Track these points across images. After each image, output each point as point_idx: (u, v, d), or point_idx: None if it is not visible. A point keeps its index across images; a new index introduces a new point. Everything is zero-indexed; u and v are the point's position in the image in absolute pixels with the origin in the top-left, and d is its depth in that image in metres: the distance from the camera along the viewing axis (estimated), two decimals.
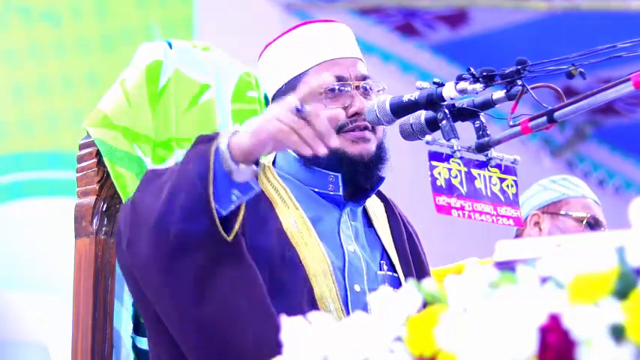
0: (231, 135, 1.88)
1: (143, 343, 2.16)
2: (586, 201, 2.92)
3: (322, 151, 1.80)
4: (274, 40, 2.25)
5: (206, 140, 1.92)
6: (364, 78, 2.17)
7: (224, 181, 1.85)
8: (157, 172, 2.02)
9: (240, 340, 1.88)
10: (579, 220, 2.87)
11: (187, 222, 1.86)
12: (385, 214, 2.29)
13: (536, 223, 2.94)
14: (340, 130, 2.12)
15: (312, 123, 1.79)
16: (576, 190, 2.94)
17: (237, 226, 1.89)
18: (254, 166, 1.87)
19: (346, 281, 2.08)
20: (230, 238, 1.88)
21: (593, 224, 2.87)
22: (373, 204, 2.28)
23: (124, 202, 2.16)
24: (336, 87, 2.14)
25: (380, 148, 2.16)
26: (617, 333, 1.03)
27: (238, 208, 1.89)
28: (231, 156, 1.85)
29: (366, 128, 2.13)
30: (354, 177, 2.14)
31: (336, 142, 1.82)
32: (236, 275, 1.92)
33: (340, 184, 2.15)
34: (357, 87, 2.15)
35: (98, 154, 2.19)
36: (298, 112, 1.79)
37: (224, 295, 1.89)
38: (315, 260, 2.06)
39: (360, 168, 2.12)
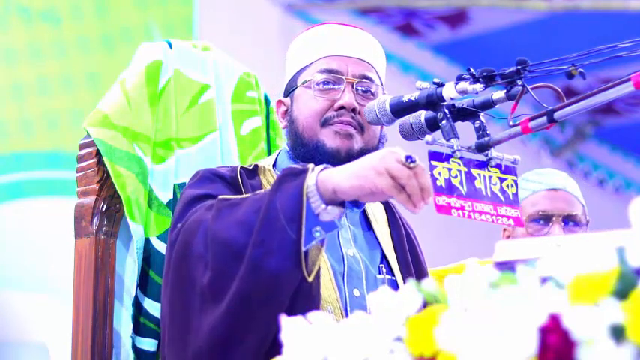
0: (320, 171, 1.83)
1: (143, 343, 2.16)
2: (533, 198, 2.76)
3: (422, 207, 1.77)
4: (296, 37, 2.28)
5: (294, 174, 1.85)
6: (363, 77, 2.17)
7: (310, 218, 1.80)
8: (232, 201, 1.94)
9: None
10: (527, 220, 2.76)
11: (279, 262, 1.80)
12: (385, 217, 2.28)
13: (504, 230, 2.87)
14: (325, 122, 2.13)
15: (418, 175, 1.76)
16: (529, 187, 2.77)
17: (316, 267, 1.84)
18: (342, 208, 1.82)
19: (346, 286, 2.08)
20: (311, 279, 1.83)
21: (539, 219, 2.77)
22: (373, 207, 2.27)
23: (124, 202, 2.16)
24: (329, 79, 2.15)
25: (364, 152, 2.10)
26: (617, 333, 1.03)
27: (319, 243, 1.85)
28: (320, 195, 1.80)
29: (350, 124, 2.13)
30: None
31: (429, 200, 1.78)
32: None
33: None
34: (351, 83, 2.15)
35: (98, 154, 2.19)
36: (407, 161, 1.76)
37: None
38: None
39: (336, 163, 2.09)
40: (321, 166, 1.84)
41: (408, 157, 1.76)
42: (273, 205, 1.82)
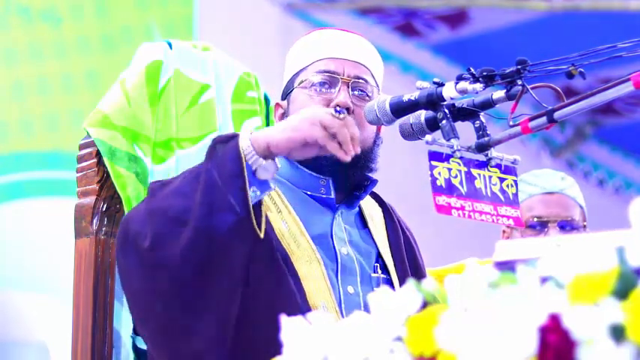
0: (250, 134, 1.91)
1: (143, 343, 2.16)
2: (529, 202, 2.76)
3: (352, 155, 1.86)
4: (295, 42, 2.30)
5: (225, 140, 1.93)
6: (359, 78, 2.17)
7: (248, 177, 1.88)
8: (164, 182, 2.01)
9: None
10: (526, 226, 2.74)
11: (226, 219, 1.86)
12: (382, 219, 2.28)
13: (504, 232, 2.86)
14: None
15: (348, 125, 1.87)
16: (526, 190, 2.76)
17: (263, 224, 1.90)
18: (276, 163, 1.89)
19: (339, 283, 2.08)
20: (262, 235, 1.90)
21: (536, 224, 2.76)
22: (371, 208, 2.28)
23: (124, 202, 2.16)
24: (325, 79, 2.16)
25: (357, 155, 2.13)
26: (617, 333, 1.03)
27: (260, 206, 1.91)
28: (255, 152, 1.88)
29: None
30: (318, 171, 2.15)
31: (358, 149, 1.89)
32: (269, 272, 1.96)
33: (331, 187, 2.15)
34: (347, 83, 2.15)
35: (98, 154, 2.19)
36: (337, 113, 1.87)
37: (260, 291, 1.92)
38: (307, 262, 2.06)
39: (329, 165, 2.12)
40: (250, 129, 1.95)
41: (337, 110, 1.90)
42: (209, 169, 1.90)
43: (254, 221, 1.87)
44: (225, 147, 1.91)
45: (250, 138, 1.89)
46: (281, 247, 2.05)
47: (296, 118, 1.91)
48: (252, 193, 1.88)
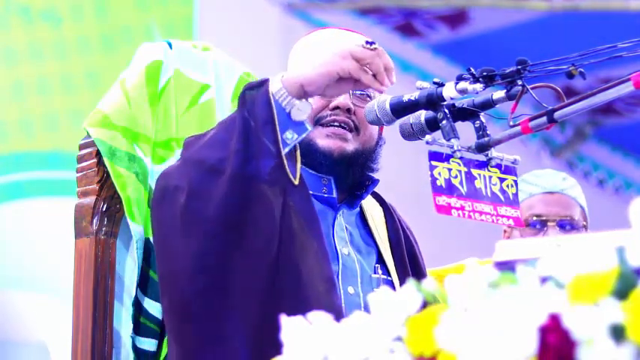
0: (281, 76, 1.89)
1: (143, 343, 2.16)
2: (530, 201, 2.76)
3: (388, 85, 1.87)
4: (298, 40, 2.29)
5: (256, 86, 1.91)
6: None
7: (282, 119, 1.87)
8: (198, 135, 2.00)
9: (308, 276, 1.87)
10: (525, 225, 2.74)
11: (272, 168, 1.84)
12: (383, 219, 2.28)
13: (505, 232, 2.87)
14: (319, 121, 2.12)
15: (380, 55, 1.86)
16: (527, 189, 2.77)
17: (299, 171, 1.89)
18: (310, 103, 1.88)
19: (340, 283, 2.08)
20: (297, 182, 1.88)
21: (535, 222, 2.76)
22: (371, 208, 2.27)
23: (124, 202, 2.16)
24: None
25: (359, 153, 2.14)
26: (617, 333, 1.03)
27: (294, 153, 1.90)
28: (289, 94, 1.87)
29: (345, 126, 2.12)
30: (319, 170, 2.12)
31: (393, 79, 1.90)
32: (304, 216, 1.91)
33: (333, 187, 2.15)
34: None
35: (98, 154, 2.19)
36: (368, 44, 1.85)
37: (297, 231, 1.89)
38: None
39: (329, 163, 2.11)
40: (282, 73, 1.91)
41: (367, 42, 1.86)
42: (243, 116, 1.87)
43: (286, 167, 1.85)
44: (255, 93, 1.90)
45: (282, 80, 1.88)
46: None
47: (325, 53, 1.88)
48: (290, 135, 1.87)
